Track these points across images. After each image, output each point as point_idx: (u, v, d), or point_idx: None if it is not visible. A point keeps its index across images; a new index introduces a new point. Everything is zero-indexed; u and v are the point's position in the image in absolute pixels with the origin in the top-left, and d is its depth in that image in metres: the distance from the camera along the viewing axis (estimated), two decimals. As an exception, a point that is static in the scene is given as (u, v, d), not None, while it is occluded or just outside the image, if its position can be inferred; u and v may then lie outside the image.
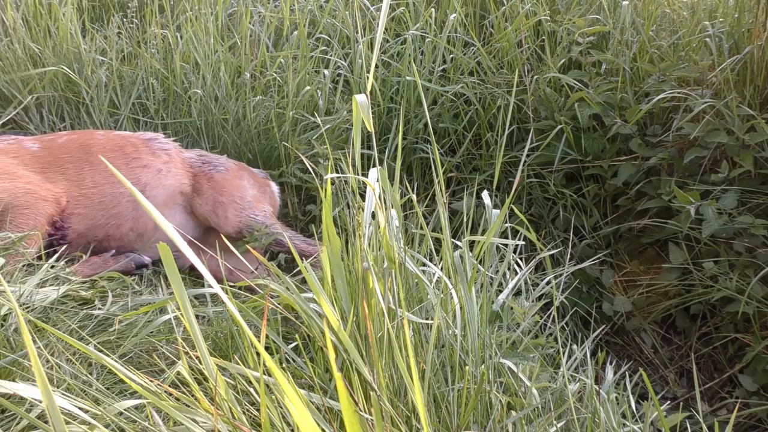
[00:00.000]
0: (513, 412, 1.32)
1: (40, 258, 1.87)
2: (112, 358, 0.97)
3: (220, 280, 1.94)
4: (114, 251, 2.01)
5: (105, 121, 2.64)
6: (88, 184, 2.00)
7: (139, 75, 2.75)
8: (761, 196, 2.36)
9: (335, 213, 2.22)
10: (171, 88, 2.72)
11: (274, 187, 2.34)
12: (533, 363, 1.41)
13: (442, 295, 1.41)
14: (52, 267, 1.80)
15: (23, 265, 1.78)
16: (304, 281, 1.86)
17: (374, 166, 1.28)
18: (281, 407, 1.09)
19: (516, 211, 1.64)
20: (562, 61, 2.85)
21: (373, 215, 1.25)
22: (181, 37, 2.86)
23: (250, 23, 2.97)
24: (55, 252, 1.92)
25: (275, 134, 2.63)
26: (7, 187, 1.87)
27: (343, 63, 2.88)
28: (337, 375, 0.68)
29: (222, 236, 2.04)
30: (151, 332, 1.58)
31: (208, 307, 1.70)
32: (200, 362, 0.97)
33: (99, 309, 1.70)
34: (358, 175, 1.25)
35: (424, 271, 1.50)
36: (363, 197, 1.48)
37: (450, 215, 2.64)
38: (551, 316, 1.85)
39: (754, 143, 2.34)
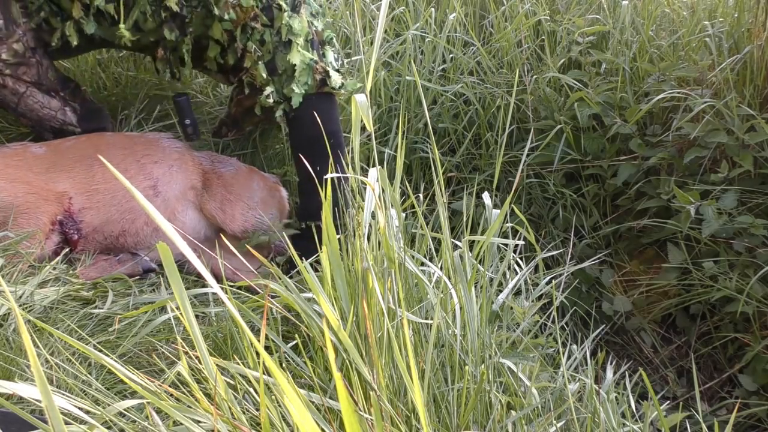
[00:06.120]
0: (513, 412, 1.32)
1: (43, 260, 1.87)
2: (111, 358, 0.97)
3: (227, 279, 1.95)
4: (121, 255, 2.01)
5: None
6: (100, 180, 2.01)
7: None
8: (761, 196, 2.36)
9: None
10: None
11: (284, 193, 2.34)
12: (533, 363, 1.41)
13: (441, 295, 1.41)
14: (54, 269, 1.80)
15: (28, 266, 1.78)
16: (302, 281, 1.86)
17: (374, 165, 1.28)
18: (281, 407, 1.09)
19: (516, 210, 1.64)
20: (562, 60, 2.85)
21: (373, 215, 1.25)
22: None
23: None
24: (57, 254, 1.92)
25: (276, 133, 2.63)
26: (7, 188, 1.88)
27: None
28: (337, 375, 0.68)
29: (223, 237, 2.04)
30: (151, 332, 1.58)
31: (209, 307, 1.71)
32: (200, 362, 0.97)
33: (99, 308, 1.70)
34: (357, 174, 1.25)
35: (423, 271, 1.50)
36: (363, 197, 1.48)
37: (450, 215, 2.64)
38: (551, 316, 1.85)
39: (753, 143, 2.34)
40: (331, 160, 1.48)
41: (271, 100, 2.07)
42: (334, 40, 2.16)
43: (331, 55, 2.13)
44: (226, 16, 1.96)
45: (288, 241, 1.47)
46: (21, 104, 2.06)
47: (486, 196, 1.64)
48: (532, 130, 2.72)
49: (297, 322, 1.42)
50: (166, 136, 2.21)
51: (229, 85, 2.35)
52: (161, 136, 2.21)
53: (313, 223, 2.05)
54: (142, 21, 1.99)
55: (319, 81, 2.08)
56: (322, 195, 1.29)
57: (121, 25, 1.95)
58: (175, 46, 2.10)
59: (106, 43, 2.18)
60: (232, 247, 1.35)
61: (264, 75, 2.05)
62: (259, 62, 2.03)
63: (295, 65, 2.03)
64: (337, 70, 2.14)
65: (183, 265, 2.08)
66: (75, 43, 2.01)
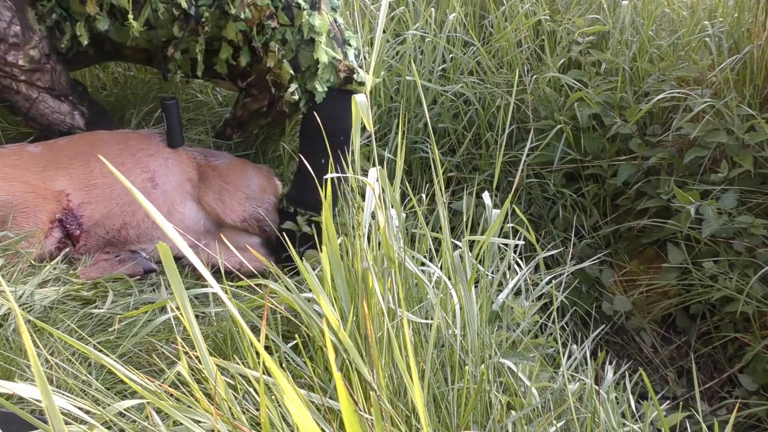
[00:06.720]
0: (513, 412, 1.32)
1: (44, 258, 1.87)
2: (111, 358, 0.97)
3: (229, 272, 1.95)
4: (121, 255, 2.01)
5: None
6: (97, 175, 2.02)
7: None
8: (761, 196, 2.36)
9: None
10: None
11: (278, 181, 2.35)
12: (533, 363, 1.41)
13: (441, 295, 1.41)
14: (54, 269, 1.80)
15: (28, 266, 1.79)
16: (302, 281, 1.86)
17: (374, 165, 1.28)
18: (281, 407, 1.09)
19: (516, 210, 1.64)
20: (562, 60, 2.85)
21: (373, 215, 1.25)
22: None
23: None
24: (59, 250, 1.92)
25: (278, 136, 2.63)
26: (5, 187, 1.89)
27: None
28: (337, 375, 0.68)
29: (221, 235, 2.04)
30: (151, 332, 1.58)
31: (209, 307, 1.71)
32: (200, 362, 0.97)
33: (99, 308, 1.70)
34: (357, 174, 1.25)
35: (423, 271, 1.50)
36: (363, 197, 1.48)
37: (450, 215, 2.64)
38: (551, 316, 1.85)
39: (753, 143, 2.34)
40: (333, 158, 1.48)
41: (296, 96, 2.09)
42: (352, 40, 2.17)
43: (351, 53, 2.14)
44: (242, 15, 1.97)
45: (287, 241, 1.47)
46: (32, 109, 2.06)
47: (486, 196, 1.64)
48: (532, 130, 2.72)
49: (297, 322, 1.42)
50: (158, 131, 2.22)
51: (237, 91, 2.36)
52: (154, 132, 2.22)
53: (305, 213, 2.09)
54: (154, 19, 2.00)
55: (343, 79, 2.09)
56: (322, 193, 1.29)
57: (130, 16, 1.95)
58: (186, 47, 2.11)
59: (116, 50, 2.18)
60: (232, 247, 1.35)
61: (291, 72, 2.06)
62: (284, 60, 2.04)
63: (318, 62, 2.04)
64: (360, 66, 2.15)
65: (183, 263, 2.08)
66: (85, 42, 2.01)
